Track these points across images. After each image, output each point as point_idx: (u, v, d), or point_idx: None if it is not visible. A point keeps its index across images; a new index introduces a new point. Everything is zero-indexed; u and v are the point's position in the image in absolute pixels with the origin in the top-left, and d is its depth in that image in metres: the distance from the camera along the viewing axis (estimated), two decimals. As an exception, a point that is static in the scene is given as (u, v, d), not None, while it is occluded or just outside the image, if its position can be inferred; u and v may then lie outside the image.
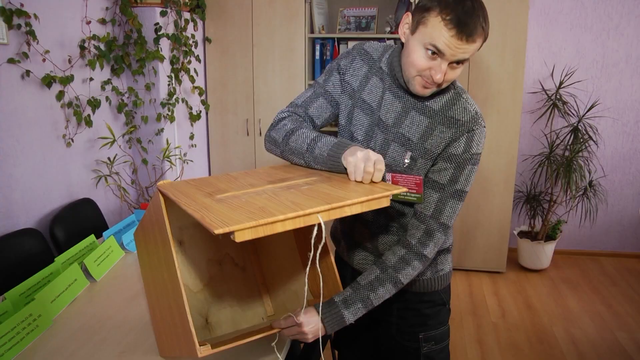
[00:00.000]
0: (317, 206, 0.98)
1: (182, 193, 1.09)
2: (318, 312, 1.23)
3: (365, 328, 1.60)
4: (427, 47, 1.15)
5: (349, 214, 1.05)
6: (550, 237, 3.85)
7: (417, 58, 1.18)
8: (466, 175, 1.29)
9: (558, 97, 3.70)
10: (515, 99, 3.46)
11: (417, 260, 1.30)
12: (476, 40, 1.13)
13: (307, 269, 1.12)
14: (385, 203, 1.10)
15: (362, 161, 1.12)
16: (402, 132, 1.31)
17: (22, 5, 2.30)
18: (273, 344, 1.31)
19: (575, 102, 3.83)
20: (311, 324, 1.22)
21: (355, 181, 1.14)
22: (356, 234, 1.51)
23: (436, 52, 1.14)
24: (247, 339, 1.16)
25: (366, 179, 1.13)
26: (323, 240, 1.03)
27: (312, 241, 1.02)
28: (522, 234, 3.96)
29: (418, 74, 1.20)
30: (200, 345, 1.04)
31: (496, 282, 3.69)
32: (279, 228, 0.94)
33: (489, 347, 2.87)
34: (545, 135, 3.89)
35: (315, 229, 1.01)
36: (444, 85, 1.23)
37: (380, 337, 1.59)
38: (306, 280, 1.12)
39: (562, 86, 3.72)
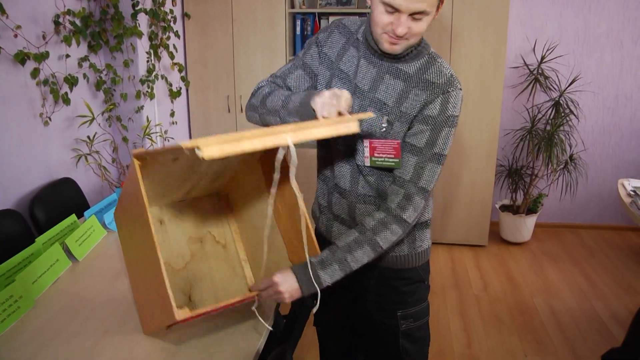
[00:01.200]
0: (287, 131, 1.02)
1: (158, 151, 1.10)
2: (295, 274, 1.25)
3: (344, 305, 1.61)
4: (384, 3, 1.20)
5: (317, 136, 1.10)
6: (531, 211, 3.91)
7: (377, 15, 1.23)
8: (443, 138, 1.29)
9: (540, 71, 3.71)
10: (497, 73, 3.47)
11: (397, 224, 1.29)
12: None
13: (273, 190, 1.12)
14: (354, 128, 1.17)
15: (329, 97, 1.20)
16: (378, 97, 1.34)
17: (-11, -23, 2.21)
18: (253, 307, 1.30)
19: (557, 76, 3.84)
20: (287, 283, 1.23)
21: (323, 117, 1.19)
22: (334, 206, 1.50)
23: (392, 7, 1.19)
24: (225, 302, 1.17)
25: (332, 113, 1.19)
26: (294, 164, 1.06)
27: (278, 164, 1.06)
28: (503, 208, 4.01)
29: (383, 31, 1.25)
30: (178, 309, 1.05)
31: (478, 256, 3.74)
32: (247, 146, 0.95)
33: (471, 319, 2.92)
34: (527, 109, 3.91)
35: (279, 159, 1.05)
36: (412, 40, 1.27)
37: (359, 315, 1.60)
38: (269, 206, 1.15)
39: (543, 61, 3.73)
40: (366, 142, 1.35)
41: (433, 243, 3.86)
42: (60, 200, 2.58)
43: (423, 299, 1.53)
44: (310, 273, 1.24)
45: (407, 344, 1.53)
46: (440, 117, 1.28)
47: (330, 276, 1.25)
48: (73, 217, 2.14)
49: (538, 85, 3.73)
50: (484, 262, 3.65)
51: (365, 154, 1.36)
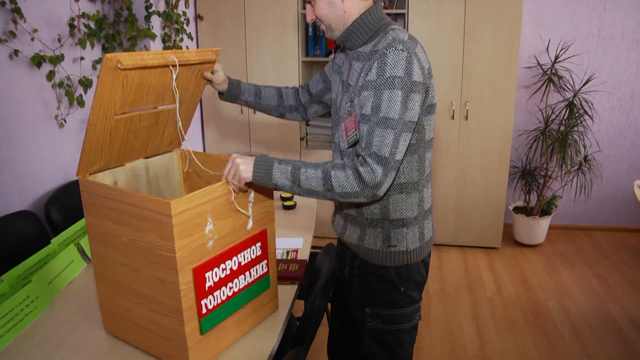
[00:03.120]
0: None
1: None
2: (255, 158, 1.32)
3: (339, 295, 1.67)
4: None
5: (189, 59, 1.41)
6: (545, 212, 3.87)
7: None
8: (387, 101, 1.25)
9: (553, 71, 3.68)
10: (510, 74, 3.44)
11: (352, 172, 1.25)
12: None
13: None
14: (213, 55, 1.50)
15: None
16: (348, 81, 1.46)
17: (7, -18, 2.25)
18: (232, 199, 1.34)
19: (571, 76, 3.81)
20: (245, 161, 1.29)
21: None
22: None
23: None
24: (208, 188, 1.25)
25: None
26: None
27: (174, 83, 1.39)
28: (517, 210, 3.98)
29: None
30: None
31: (492, 258, 3.71)
32: (148, 60, 1.27)
33: (484, 321, 2.90)
34: (541, 110, 3.88)
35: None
36: (329, 22, 1.41)
37: (342, 306, 1.64)
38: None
39: (557, 61, 3.69)
40: (342, 126, 1.43)
41: (446, 245, 3.85)
42: (75, 202, 2.60)
43: (397, 305, 1.49)
44: (268, 161, 1.30)
45: (374, 346, 1.52)
46: (379, 79, 1.27)
47: (280, 173, 1.29)
48: (87, 218, 2.15)
49: (552, 86, 3.69)
50: (498, 264, 3.62)
51: (343, 137, 1.42)
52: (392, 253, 1.45)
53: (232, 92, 1.74)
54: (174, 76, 1.34)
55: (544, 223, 3.84)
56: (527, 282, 3.34)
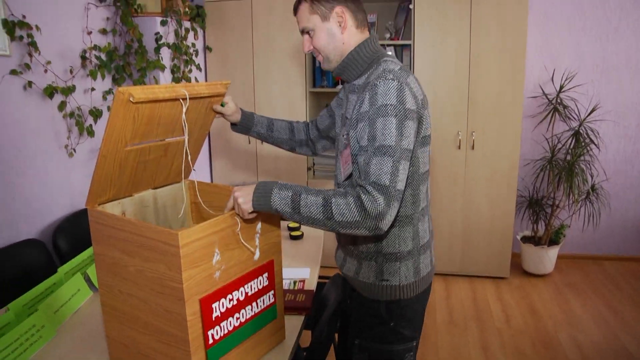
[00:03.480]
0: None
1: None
2: (256, 185, 1.31)
3: (344, 326, 1.67)
4: None
5: (199, 92, 1.43)
6: (553, 242, 3.84)
7: None
8: (381, 129, 1.23)
9: (559, 101, 3.70)
10: (516, 103, 3.47)
11: (354, 199, 1.19)
12: (298, 11, 1.44)
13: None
14: (223, 88, 1.54)
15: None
16: (346, 115, 1.48)
17: (24, 17, 2.31)
18: (237, 230, 1.33)
19: (576, 105, 3.83)
20: (244, 191, 1.30)
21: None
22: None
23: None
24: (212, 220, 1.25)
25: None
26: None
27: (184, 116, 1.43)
28: (525, 239, 3.95)
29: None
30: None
31: (500, 288, 3.67)
32: (159, 93, 1.29)
33: (493, 352, 2.85)
34: (547, 139, 3.89)
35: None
36: (326, 54, 1.44)
37: (346, 336, 1.64)
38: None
39: (562, 90, 3.72)
40: (340, 159, 1.44)
41: (453, 274, 3.81)
42: (82, 231, 2.62)
43: (386, 341, 1.45)
44: (267, 188, 1.28)
45: None
46: (372, 109, 1.26)
47: (279, 199, 1.26)
48: (95, 247, 2.16)
49: (557, 115, 3.71)
50: (506, 294, 3.58)
51: (340, 169, 1.42)
52: (385, 287, 1.42)
53: (245, 124, 1.76)
54: (184, 109, 1.36)
55: (553, 252, 3.81)
56: (536, 313, 3.29)
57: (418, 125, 1.30)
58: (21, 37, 2.31)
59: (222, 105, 1.63)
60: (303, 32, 1.45)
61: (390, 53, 1.52)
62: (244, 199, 1.28)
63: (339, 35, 1.41)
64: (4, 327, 1.56)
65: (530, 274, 3.89)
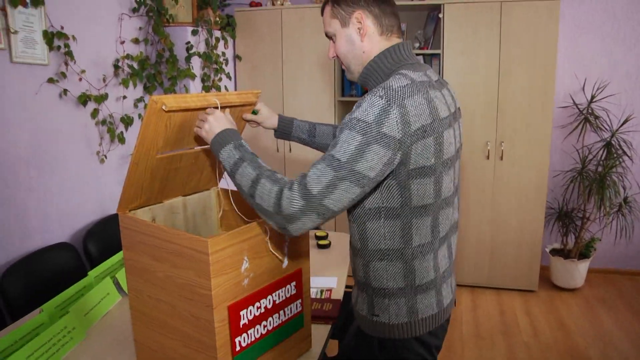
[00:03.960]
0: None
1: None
2: (224, 129, 1.30)
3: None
4: None
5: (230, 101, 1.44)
6: (583, 255, 3.75)
7: None
8: (342, 141, 1.10)
9: (590, 111, 3.63)
10: (546, 113, 3.41)
11: (277, 189, 1.12)
12: (324, 11, 1.34)
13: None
14: (254, 97, 1.55)
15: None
16: None
17: (62, 27, 2.39)
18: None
19: (608, 116, 3.75)
20: (213, 123, 1.31)
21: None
22: None
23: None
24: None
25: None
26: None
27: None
28: (554, 252, 3.87)
29: None
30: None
31: (528, 301, 3.60)
32: (191, 102, 1.31)
33: (521, 367, 2.80)
34: (577, 150, 3.81)
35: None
36: (347, 62, 1.33)
37: None
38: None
39: (593, 100, 3.65)
40: None
41: (480, 286, 3.76)
42: (111, 236, 2.67)
43: None
44: (229, 139, 1.27)
45: None
46: (344, 119, 1.15)
47: (227, 156, 1.25)
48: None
49: (588, 125, 3.64)
50: (534, 307, 3.50)
51: None
52: (375, 323, 1.30)
53: (283, 130, 1.73)
54: (198, 128, 1.38)
55: (583, 266, 3.72)
56: (565, 328, 3.22)
57: (403, 155, 1.12)
58: (59, 47, 2.39)
59: (254, 112, 1.63)
60: (327, 36, 1.36)
61: (422, 63, 1.33)
62: (208, 129, 1.30)
63: (359, 42, 1.29)
64: (38, 327, 1.60)
65: (560, 287, 3.80)
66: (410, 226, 1.21)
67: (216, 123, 1.30)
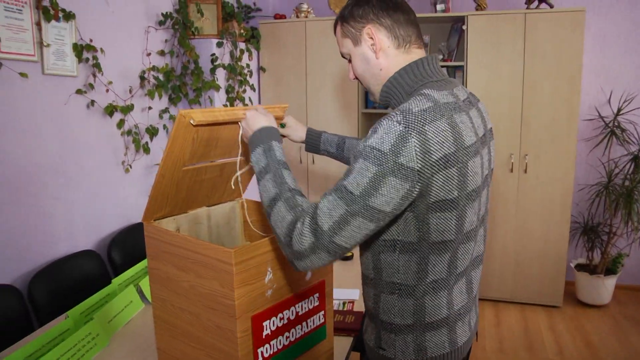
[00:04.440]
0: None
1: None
2: (262, 126, 1.27)
3: None
4: None
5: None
6: (610, 271, 3.67)
7: None
8: (355, 171, 1.01)
9: (616, 124, 3.57)
10: (571, 126, 3.37)
11: (291, 219, 1.07)
12: (336, 32, 1.25)
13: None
14: (281, 112, 1.54)
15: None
16: None
17: (91, 40, 2.45)
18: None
19: (635, 129, 3.68)
20: (251, 120, 1.29)
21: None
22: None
23: None
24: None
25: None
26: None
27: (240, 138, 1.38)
28: (579, 267, 3.79)
29: None
30: None
31: (552, 317, 3.53)
32: (219, 116, 1.31)
33: (545, 385, 2.74)
34: (603, 164, 3.74)
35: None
36: (366, 82, 1.24)
37: None
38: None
39: (620, 113, 3.59)
40: None
41: (504, 301, 3.70)
42: (135, 244, 2.71)
43: None
44: (261, 139, 1.24)
45: None
46: (359, 146, 1.04)
47: (256, 159, 1.22)
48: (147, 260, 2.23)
49: (614, 139, 3.58)
50: (559, 324, 3.43)
51: None
52: (382, 356, 1.22)
53: (312, 143, 1.70)
54: (241, 131, 1.39)
55: (610, 282, 3.63)
56: (591, 345, 3.14)
57: (423, 187, 1.01)
58: (87, 59, 2.44)
59: (282, 126, 1.63)
60: (343, 57, 1.27)
61: (450, 79, 1.22)
62: (247, 126, 1.29)
63: (374, 60, 1.18)
64: (64, 332, 1.63)
65: (585, 304, 3.72)
66: (427, 262, 1.11)
67: (252, 120, 1.28)
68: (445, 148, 1.01)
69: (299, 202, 1.10)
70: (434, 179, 1.01)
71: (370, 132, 1.04)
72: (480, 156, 1.14)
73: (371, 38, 1.17)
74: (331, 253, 1.03)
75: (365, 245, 1.18)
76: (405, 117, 1.00)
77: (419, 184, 1.00)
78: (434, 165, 1.00)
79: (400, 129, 0.99)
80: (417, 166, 0.98)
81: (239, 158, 1.53)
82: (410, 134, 0.98)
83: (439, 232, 1.08)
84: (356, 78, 1.26)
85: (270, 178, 1.15)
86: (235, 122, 1.38)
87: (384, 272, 1.16)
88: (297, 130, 1.67)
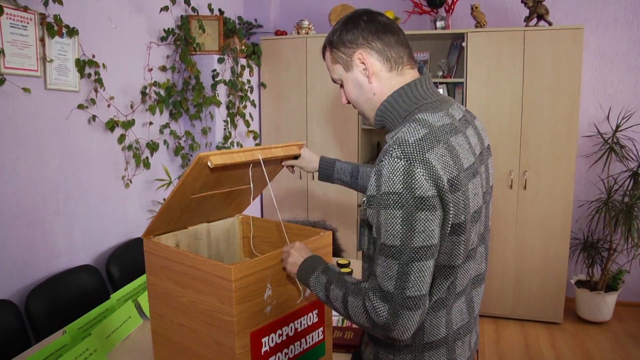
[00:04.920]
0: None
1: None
2: (306, 257, 1.25)
3: None
4: None
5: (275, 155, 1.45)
6: (611, 288, 3.65)
7: None
8: (385, 224, 1.01)
9: (615, 140, 3.59)
10: (570, 142, 3.38)
11: (362, 303, 1.06)
12: (325, 57, 1.23)
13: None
14: (297, 150, 1.58)
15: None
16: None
17: (93, 56, 2.47)
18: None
19: (634, 145, 3.69)
20: (294, 256, 1.26)
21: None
22: None
23: None
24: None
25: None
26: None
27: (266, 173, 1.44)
28: (580, 283, 3.78)
29: None
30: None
31: (553, 334, 3.51)
32: (237, 158, 1.31)
33: (546, 403, 2.71)
34: (602, 180, 3.75)
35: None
36: (360, 107, 1.23)
37: None
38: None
39: (619, 129, 3.60)
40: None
41: (504, 317, 3.68)
42: (134, 259, 2.70)
43: None
44: (314, 266, 1.22)
45: None
46: (377, 196, 1.03)
47: (316, 283, 1.20)
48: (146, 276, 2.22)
49: (613, 155, 3.59)
50: (559, 340, 3.41)
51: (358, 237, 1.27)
52: None
53: (325, 173, 1.68)
54: (250, 172, 1.39)
55: (610, 299, 3.62)
56: (593, 363, 3.12)
57: (443, 211, 1.02)
58: (89, 75, 2.46)
59: (295, 157, 1.63)
60: (334, 82, 1.25)
61: (444, 98, 1.21)
62: (293, 263, 1.26)
63: (367, 85, 1.17)
64: (61, 349, 1.61)
65: (586, 320, 3.70)
66: (433, 285, 1.11)
67: (298, 254, 1.27)
68: (448, 172, 1.01)
69: (361, 286, 1.10)
70: (448, 202, 1.02)
71: (374, 175, 1.04)
72: (480, 175, 1.14)
73: (363, 63, 1.15)
74: (412, 308, 1.01)
75: (369, 263, 1.18)
76: (404, 150, 1.00)
77: (440, 208, 1.01)
78: (445, 189, 1.01)
79: (403, 163, 0.99)
80: (430, 193, 0.99)
81: (252, 194, 1.54)
82: (414, 165, 0.99)
83: (448, 256, 1.08)
84: (349, 102, 1.24)
85: (335, 286, 1.15)
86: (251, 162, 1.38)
87: None
88: (310, 162, 1.66)
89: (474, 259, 1.18)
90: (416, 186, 0.98)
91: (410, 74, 1.18)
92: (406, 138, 1.02)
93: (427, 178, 0.99)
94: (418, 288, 1.00)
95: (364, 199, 1.12)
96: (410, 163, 0.99)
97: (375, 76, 1.16)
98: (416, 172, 0.98)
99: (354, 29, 1.15)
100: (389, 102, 1.15)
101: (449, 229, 1.04)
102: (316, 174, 1.72)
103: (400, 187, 0.98)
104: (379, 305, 1.02)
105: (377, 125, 1.22)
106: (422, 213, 0.98)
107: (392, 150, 1.01)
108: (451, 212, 1.03)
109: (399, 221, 0.99)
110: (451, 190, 1.02)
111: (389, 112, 1.16)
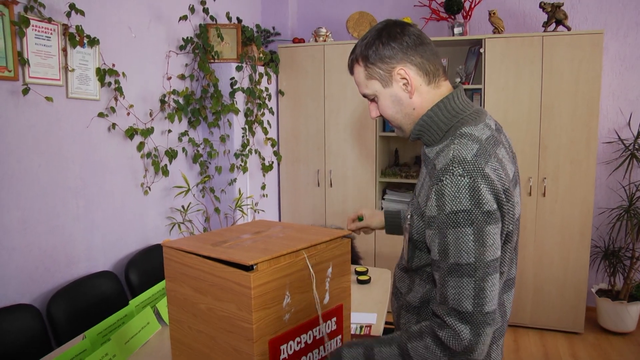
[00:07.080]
0: (299, 246, 1.28)
1: (194, 246, 1.33)
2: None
3: None
4: None
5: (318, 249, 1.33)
6: (634, 297, 3.58)
7: None
8: (454, 243, 1.01)
9: (637, 147, 3.53)
10: (590, 149, 3.34)
11: (432, 340, 1.05)
12: (354, 70, 1.19)
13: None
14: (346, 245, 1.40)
15: None
16: (416, 189, 1.23)
17: (113, 65, 2.51)
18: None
19: (657, 152, 3.63)
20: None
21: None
22: (392, 304, 1.42)
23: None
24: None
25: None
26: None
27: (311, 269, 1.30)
28: (601, 293, 3.71)
29: None
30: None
31: (574, 344, 3.45)
32: (282, 260, 1.23)
33: (568, 415, 2.66)
34: (624, 187, 3.69)
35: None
36: (395, 122, 1.21)
37: None
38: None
39: (641, 136, 3.55)
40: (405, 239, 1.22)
41: (523, 326, 3.63)
42: (152, 265, 2.73)
43: None
44: (338, 351, 1.22)
45: None
46: (440, 216, 1.03)
47: (351, 356, 1.18)
48: (164, 282, 2.24)
49: (635, 161, 3.53)
50: (581, 351, 3.35)
51: (405, 252, 1.23)
52: None
53: (392, 224, 1.63)
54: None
55: (634, 309, 3.55)
56: (616, 374, 3.06)
57: (502, 222, 1.06)
58: (109, 83, 2.50)
59: (359, 219, 1.65)
60: (367, 98, 1.21)
61: (478, 110, 1.20)
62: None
63: (407, 100, 1.15)
64: (81, 353, 1.63)
65: (608, 330, 3.63)
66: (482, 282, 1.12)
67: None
68: (502, 184, 1.04)
69: (414, 329, 1.10)
70: (504, 213, 1.05)
71: (434, 195, 1.04)
72: (519, 185, 1.18)
73: (404, 78, 1.13)
74: (491, 323, 1.03)
75: (417, 273, 1.20)
76: (465, 167, 1.01)
77: (500, 221, 1.05)
78: (503, 201, 1.04)
79: (467, 180, 1.00)
80: (495, 206, 1.02)
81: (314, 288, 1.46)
82: (477, 181, 1.00)
83: (500, 264, 1.10)
84: (380, 116, 1.22)
85: (379, 348, 1.14)
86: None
87: (432, 301, 1.17)
88: (375, 217, 1.65)
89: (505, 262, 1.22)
90: (483, 201, 1.00)
91: (445, 86, 1.18)
92: (464, 155, 1.04)
93: (490, 192, 1.01)
94: (493, 302, 1.03)
95: (408, 214, 1.16)
96: (474, 179, 1.00)
97: (415, 91, 1.15)
98: (481, 187, 1.00)
99: (391, 42, 1.12)
100: (429, 116, 1.15)
101: (503, 238, 1.08)
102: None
103: (468, 204, 1.00)
104: (461, 329, 1.01)
105: (413, 138, 1.21)
106: (491, 227, 1.01)
107: (452, 168, 1.02)
108: (505, 221, 1.06)
109: (471, 238, 1.00)
110: (507, 201, 1.05)
111: (428, 127, 1.16)
